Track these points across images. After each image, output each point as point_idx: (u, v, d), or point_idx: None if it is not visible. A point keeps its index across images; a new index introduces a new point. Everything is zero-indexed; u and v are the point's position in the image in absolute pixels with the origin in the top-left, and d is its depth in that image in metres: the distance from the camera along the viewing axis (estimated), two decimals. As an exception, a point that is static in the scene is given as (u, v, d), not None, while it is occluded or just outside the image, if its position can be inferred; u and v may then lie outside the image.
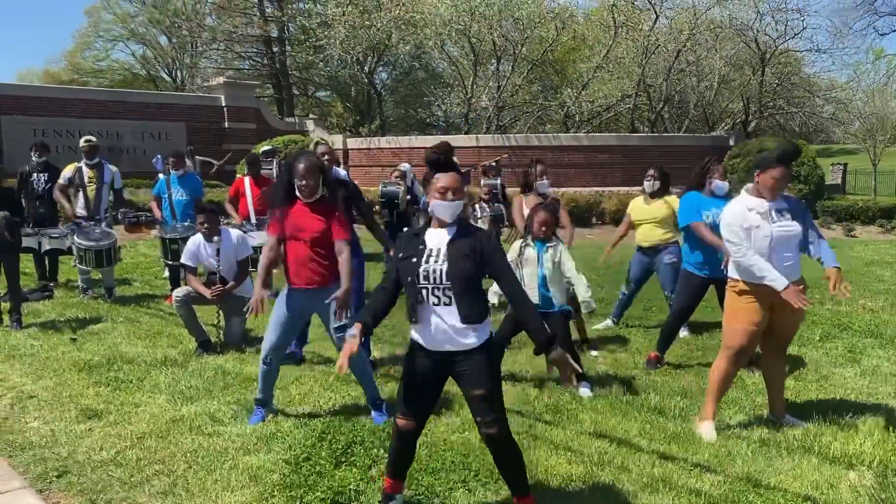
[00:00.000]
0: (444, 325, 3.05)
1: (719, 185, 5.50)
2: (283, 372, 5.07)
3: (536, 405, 4.67)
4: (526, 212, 6.18)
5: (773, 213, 4.10)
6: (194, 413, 4.47)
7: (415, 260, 3.08)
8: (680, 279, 5.67)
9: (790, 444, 4.04)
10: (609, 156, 20.10)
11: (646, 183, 6.58)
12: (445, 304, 3.04)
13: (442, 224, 3.15)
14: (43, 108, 19.65)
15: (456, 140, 21.57)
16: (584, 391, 4.92)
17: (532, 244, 5.11)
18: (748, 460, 3.82)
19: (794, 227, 4.11)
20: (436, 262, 3.05)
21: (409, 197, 8.04)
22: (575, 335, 5.91)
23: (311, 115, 29.38)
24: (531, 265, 5.04)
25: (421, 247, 3.11)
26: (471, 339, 3.06)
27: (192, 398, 4.74)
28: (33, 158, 8.50)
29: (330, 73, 31.45)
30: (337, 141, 22.17)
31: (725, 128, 25.23)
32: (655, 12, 22.97)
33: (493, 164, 9.85)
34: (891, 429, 4.24)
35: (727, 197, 5.34)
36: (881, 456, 3.85)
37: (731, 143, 20.95)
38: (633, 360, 5.79)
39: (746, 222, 4.12)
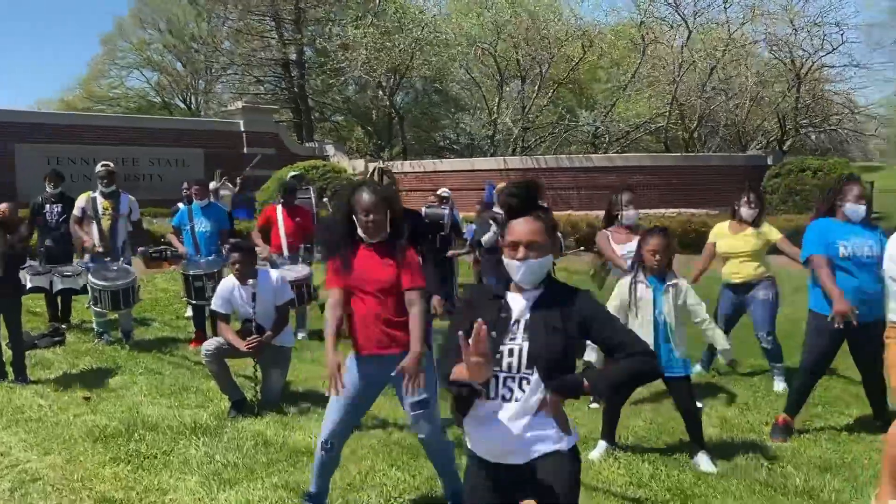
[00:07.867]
0: (514, 426, 2.16)
1: (852, 209, 4.37)
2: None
3: (655, 487, 3.78)
4: (616, 247, 5.34)
5: None
6: (234, 501, 3.62)
7: (495, 334, 2.16)
8: (808, 324, 4.57)
9: None
10: (643, 176, 19.25)
11: (745, 211, 5.65)
12: (516, 401, 2.16)
13: (519, 288, 2.26)
14: (57, 136, 19.16)
15: (481, 163, 20.88)
16: (706, 465, 4.02)
17: (645, 280, 4.16)
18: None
19: None
20: (513, 338, 2.19)
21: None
22: None
23: (328, 140, 28.75)
24: (645, 309, 4.09)
25: (503, 314, 2.22)
26: (548, 442, 2.18)
27: (229, 480, 3.87)
28: (47, 189, 7.78)
29: (347, 97, 30.94)
30: (358, 165, 21.53)
31: (758, 146, 24.31)
32: (688, 27, 22.21)
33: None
34: None
35: (866, 224, 4.45)
36: None
37: (769, 162, 20.02)
38: (745, 420, 4.89)
39: None
